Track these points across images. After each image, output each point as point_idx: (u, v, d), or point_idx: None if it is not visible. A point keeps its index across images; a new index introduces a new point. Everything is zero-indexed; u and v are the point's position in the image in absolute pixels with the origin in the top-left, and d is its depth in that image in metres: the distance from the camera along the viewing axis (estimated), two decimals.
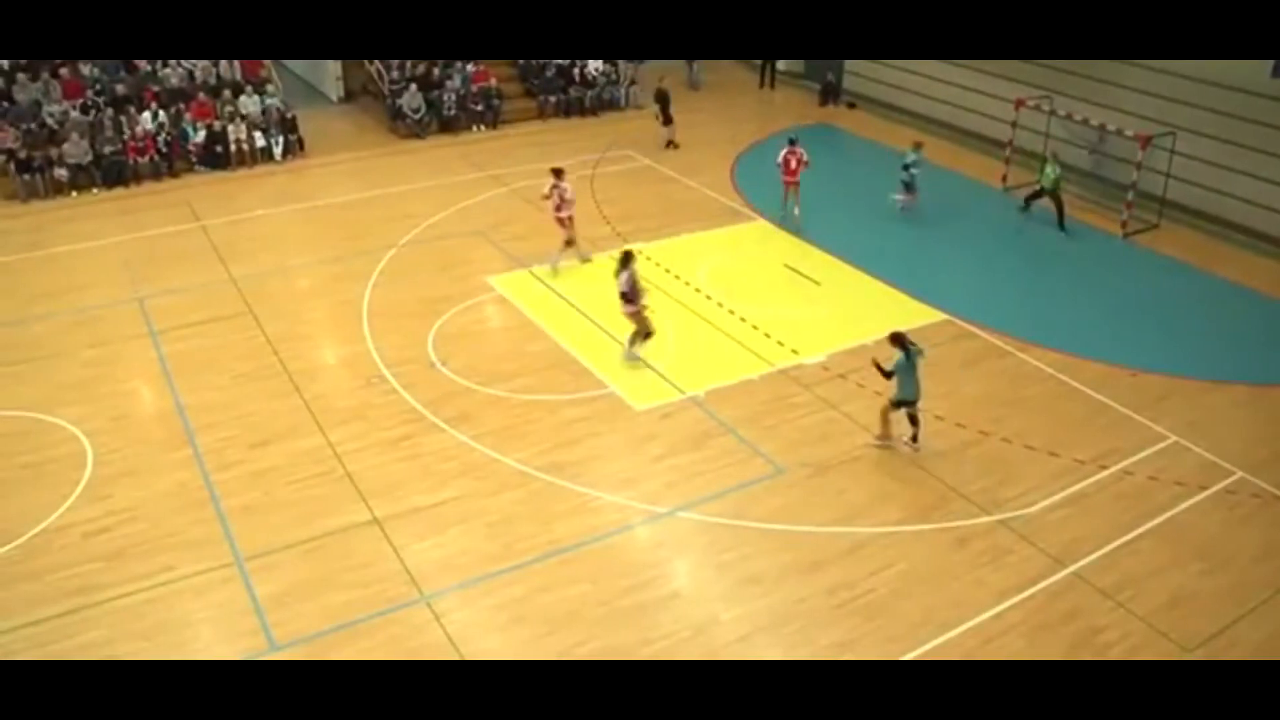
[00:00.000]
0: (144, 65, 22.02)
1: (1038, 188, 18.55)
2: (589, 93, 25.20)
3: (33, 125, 20.09)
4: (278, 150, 21.57)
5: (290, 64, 27.35)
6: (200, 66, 22.36)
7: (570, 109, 25.05)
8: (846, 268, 16.92)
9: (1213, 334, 15.29)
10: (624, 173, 21.07)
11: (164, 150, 20.54)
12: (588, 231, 17.06)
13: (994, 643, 9.47)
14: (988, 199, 20.08)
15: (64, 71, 21.15)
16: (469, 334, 14.77)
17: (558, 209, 16.32)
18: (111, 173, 19.90)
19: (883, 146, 23.02)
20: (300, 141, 21.98)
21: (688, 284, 15.30)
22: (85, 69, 21.45)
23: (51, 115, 20.33)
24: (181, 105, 21.31)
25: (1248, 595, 10.10)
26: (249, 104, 21.74)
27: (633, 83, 25.76)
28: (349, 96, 25.83)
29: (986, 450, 12.28)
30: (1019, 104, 20.04)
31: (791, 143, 18.19)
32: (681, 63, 26.92)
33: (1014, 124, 20.21)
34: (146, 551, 10.42)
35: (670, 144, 22.53)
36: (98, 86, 21.16)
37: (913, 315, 15.20)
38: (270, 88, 22.55)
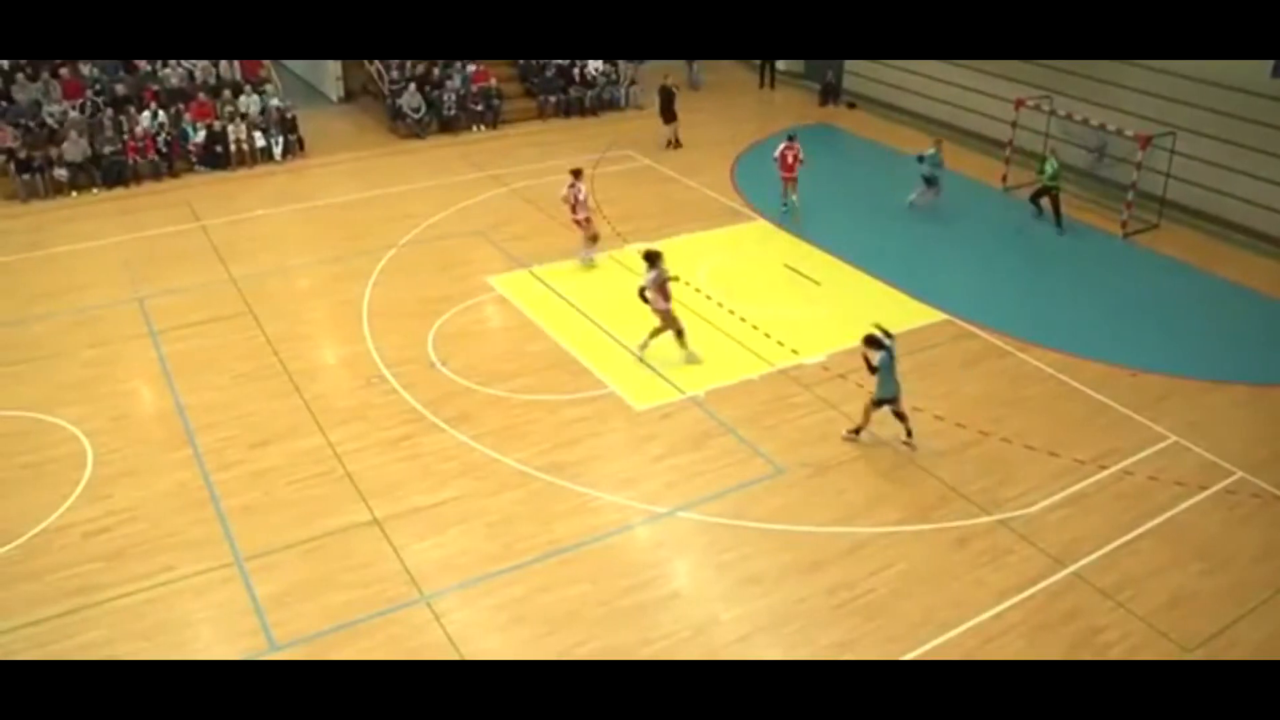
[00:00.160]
0: (144, 65, 22.03)
1: (1040, 185, 18.58)
2: (589, 93, 25.20)
3: (33, 125, 20.10)
4: (278, 150, 21.58)
5: (290, 64, 27.35)
6: (200, 66, 22.37)
7: (570, 109, 25.04)
8: (846, 268, 16.92)
9: (1213, 334, 15.29)
10: (624, 173, 21.07)
11: (164, 150, 20.55)
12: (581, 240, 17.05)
13: (994, 643, 9.46)
14: (988, 199, 20.07)
15: (64, 71, 21.16)
16: (469, 334, 14.77)
17: (573, 210, 16.44)
18: (111, 173, 19.91)
19: (882, 146, 23.05)
20: (300, 141, 21.98)
21: (688, 284, 15.27)
22: (85, 69, 21.46)
23: (51, 115, 20.34)
24: (181, 105, 21.32)
25: (1248, 595, 10.09)
26: (249, 104, 21.75)
27: (633, 83, 25.76)
28: (349, 96, 25.83)
29: (986, 450, 12.28)
30: (1019, 104, 20.05)
31: (790, 138, 18.51)
32: (681, 63, 26.93)
33: (1014, 124, 20.21)
34: (146, 551, 10.42)
35: (672, 143, 22.53)
36: (98, 86, 21.16)
37: (913, 315, 15.21)
38: (270, 88, 22.55)
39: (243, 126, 21.23)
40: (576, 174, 16.53)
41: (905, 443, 12.15)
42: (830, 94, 26.12)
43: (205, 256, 17.09)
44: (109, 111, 20.61)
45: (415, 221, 18.43)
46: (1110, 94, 19.90)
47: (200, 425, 12.48)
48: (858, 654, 9.31)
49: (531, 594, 9.95)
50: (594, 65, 25.45)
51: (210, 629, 9.56)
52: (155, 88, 21.49)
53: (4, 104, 20.23)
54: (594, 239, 16.75)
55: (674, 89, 22.35)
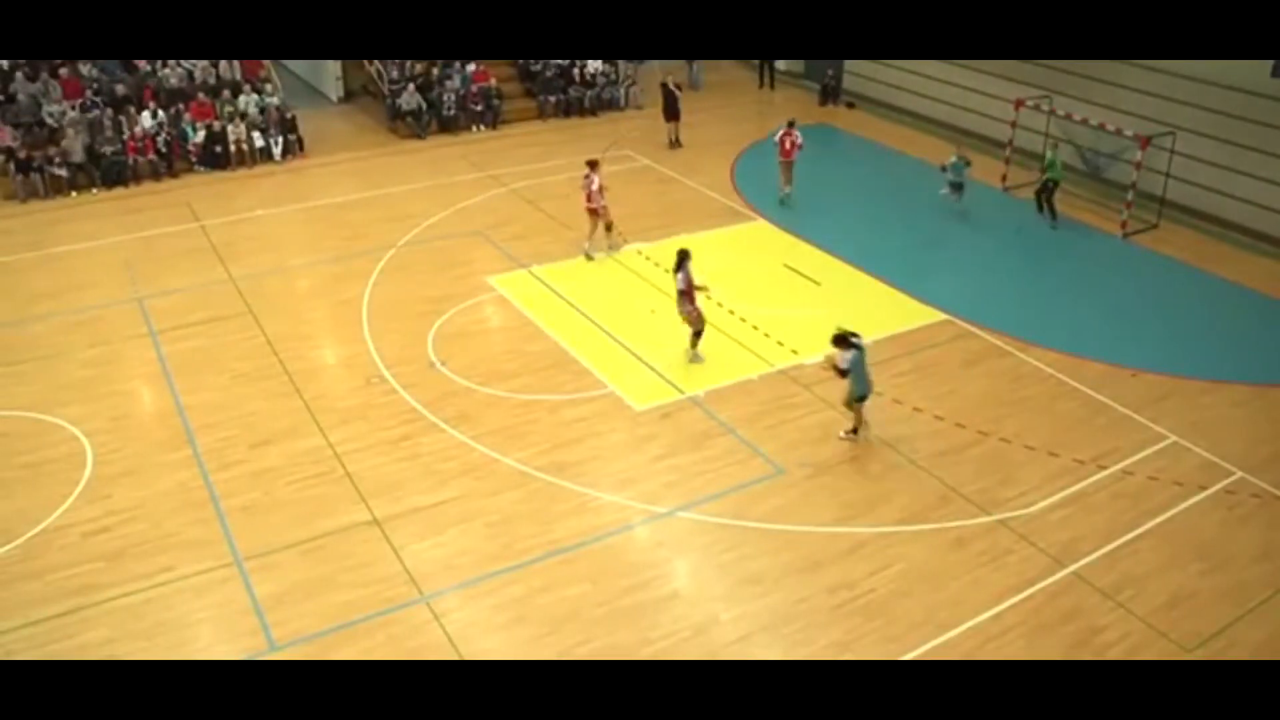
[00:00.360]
0: (144, 65, 22.02)
1: (1044, 181, 18.58)
2: (589, 93, 25.19)
3: (32, 125, 20.09)
4: (277, 150, 21.57)
5: (290, 64, 27.36)
6: (200, 66, 22.36)
7: (570, 109, 25.04)
8: (846, 268, 16.92)
9: (1212, 334, 15.29)
10: (624, 173, 21.05)
11: (164, 150, 20.54)
12: (587, 231, 17.05)
13: (994, 643, 9.47)
14: (988, 199, 20.06)
15: (64, 71, 21.14)
16: (469, 334, 14.77)
17: (588, 199, 16.70)
18: (111, 172, 19.90)
19: (882, 146, 23.06)
20: (300, 141, 21.97)
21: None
22: (85, 69, 21.44)
23: (51, 115, 20.33)
24: (181, 105, 21.31)
25: (1247, 595, 10.10)
26: (249, 104, 21.74)
27: (633, 83, 25.76)
28: (349, 96, 25.83)
29: (986, 450, 12.28)
30: (1019, 104, 20.05)
31: (790, 124, 19.07)
32: (681, 62, 26.92)
33: (1014, 124, 20.21)
34: (146, 551, 10.42)
35: (674, 142, 22.54)
36: (97, 86, 21.15)
37: (913, 315, 15.22)
38: (270, 88, 22.54)
39: (242, 126, 21.22)
40: (593, 164, 16.85)
41: (847, 435, 12.16)
42: (830, 94, 26.13)
43: (205, 256, 17.09)
44: (109, 111, 20.60)
45: (415, 221, 18.43)
46: (1110, 94, 19.90)
47: (200, 425, 12.48)
48: (857, 654, 9.31)
49: (531, 594, 9.95)
50: (594, 65, 25.44)
51: (210, 629, 9.56)
52: (155, 87, 21.48)
53: (4, 103, 20.20)
54: (609, 227, 17.06)
55: (677, 88, 22.37)
